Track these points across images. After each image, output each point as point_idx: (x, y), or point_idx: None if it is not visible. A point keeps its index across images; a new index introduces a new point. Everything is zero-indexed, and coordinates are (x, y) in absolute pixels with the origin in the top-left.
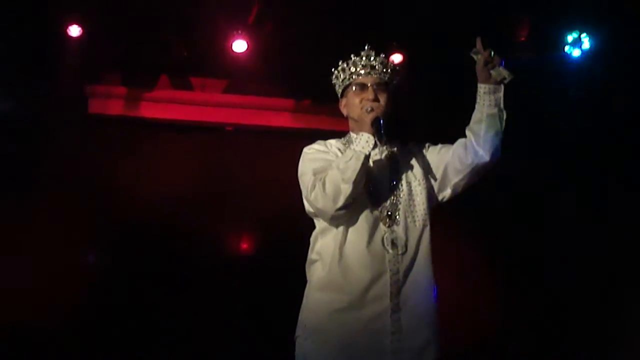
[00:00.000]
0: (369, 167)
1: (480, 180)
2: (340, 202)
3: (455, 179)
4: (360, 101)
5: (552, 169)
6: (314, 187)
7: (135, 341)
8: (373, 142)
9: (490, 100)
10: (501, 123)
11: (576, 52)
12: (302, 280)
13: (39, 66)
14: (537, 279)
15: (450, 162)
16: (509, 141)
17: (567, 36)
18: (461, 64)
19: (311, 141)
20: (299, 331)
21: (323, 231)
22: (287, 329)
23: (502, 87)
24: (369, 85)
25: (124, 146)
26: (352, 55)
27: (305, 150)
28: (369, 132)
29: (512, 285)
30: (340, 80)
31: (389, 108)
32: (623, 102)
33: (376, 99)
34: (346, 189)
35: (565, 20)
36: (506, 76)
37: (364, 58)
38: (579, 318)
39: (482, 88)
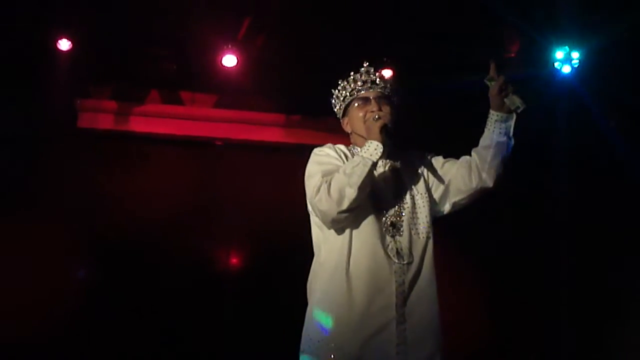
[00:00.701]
0: (374, 177)
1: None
2: (344, 206)
3: (455, 198)
4: (365, 114)
5: (546, 184)
6: (319, 189)
7: (126, 356)
8: (382, 149)
9: (501, 128)
10: (508, 151)
11: (566, 68)
12: (292, 294)
13: (28, 80)
14: (534, 291)
15: (453, 180)
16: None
17: (556, 52)
18: (452, 80)
19: (301, 156)
20: (304, 345)
21: (327, 241)
22: (278, 342)
23: (514, 116)
24: (371, 98)
25: (114, 160)
26: (351, 73)
27: (315, 151)
28: (377, 140)
29: (507, 299)
30: (342, 98)
31: (393, 119)
32: (615, 118)
33: (380, 110)
34: (351, 194)
35: (555, 37)
36: (519, 105)
37: (363, 74)
38: (577, 331)
39: (494, 115)
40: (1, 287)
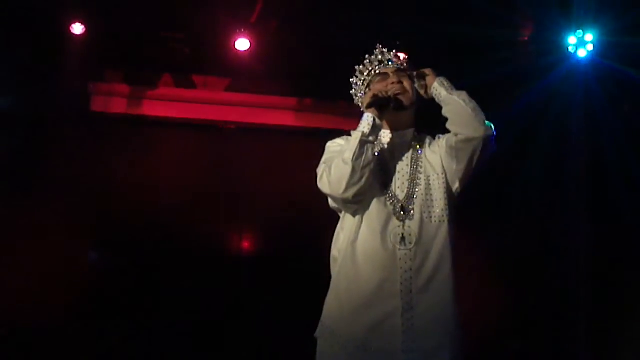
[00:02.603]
0: (386, 160)
1: (483, 170)
2: (344, 185)
3: (453, 165)
4: (386, 86)
5: (559, 169)
6: (322, 174)
7: (137, 339)
8: (371, 119)
9: (442, 103)
10: (462, 103)
11: (581, 52)
12: (303, 277)
13: (42, 64)
14: (541, 277)
15: (446, 151)
16: (514, 141)
17: (571, 36)
18: (466, 63)
19: (314, 140)
20: (318, 330)
21: (343, 228)
22: (293, 327)
23: (438, 89)
24: (390, 73)
25: (127, 144)
26: (365, 56)
27: (328, 144)
28: (368, 111)
29: (517, 284)
30: (361, 82)
31: (411, 93)
32: (631, 103)
33: (400, 82)
34: (346, 170)
35: (569, 20)
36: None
37: (378, 55)
38: (582, 317)
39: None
40: (13, 270)
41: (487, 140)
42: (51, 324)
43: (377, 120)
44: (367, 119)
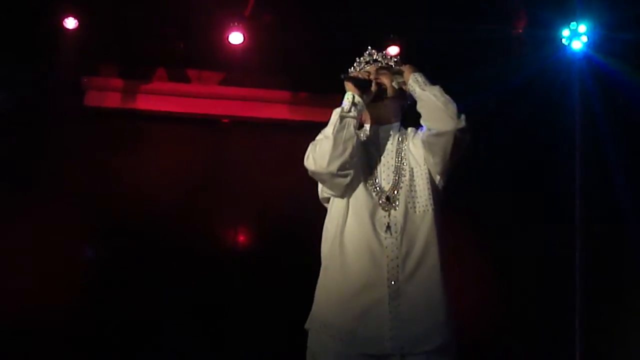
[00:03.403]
0: (372, 153)
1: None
2: (327, 157)
3: (430, 159)
4: None
5: (554, 161)
6: (308, 154)
7: (137, 339)
8: (351, 97)
9: (417, 100)
10: (433, 98)
11: (576, 44)
12: (298, 272)
13: (35, 59)
14: (538, 276)
15: (422, 145)
16: (511, 138)
17: (565, 28)
18: (457, 56)
19: (308, 133)
20: (307, 322)
21: (331, 220)
22: (286, 320)
23: (412, 85)
24: (372, 71)
25: (121, 139)
26: (356, 58)
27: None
28: (348, 88)
29: (510, 279)
30: None
31: (389, 87)
32: (626, 96)
33: (377, 78)
34: (328, 144)
35: (564, 11)
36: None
37: (366, 56)
38: (579, 316)
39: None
40: (13, 270)
41: (459, 133)
42: (51, 324)
43: (357, 98)
44: (347, 97)
